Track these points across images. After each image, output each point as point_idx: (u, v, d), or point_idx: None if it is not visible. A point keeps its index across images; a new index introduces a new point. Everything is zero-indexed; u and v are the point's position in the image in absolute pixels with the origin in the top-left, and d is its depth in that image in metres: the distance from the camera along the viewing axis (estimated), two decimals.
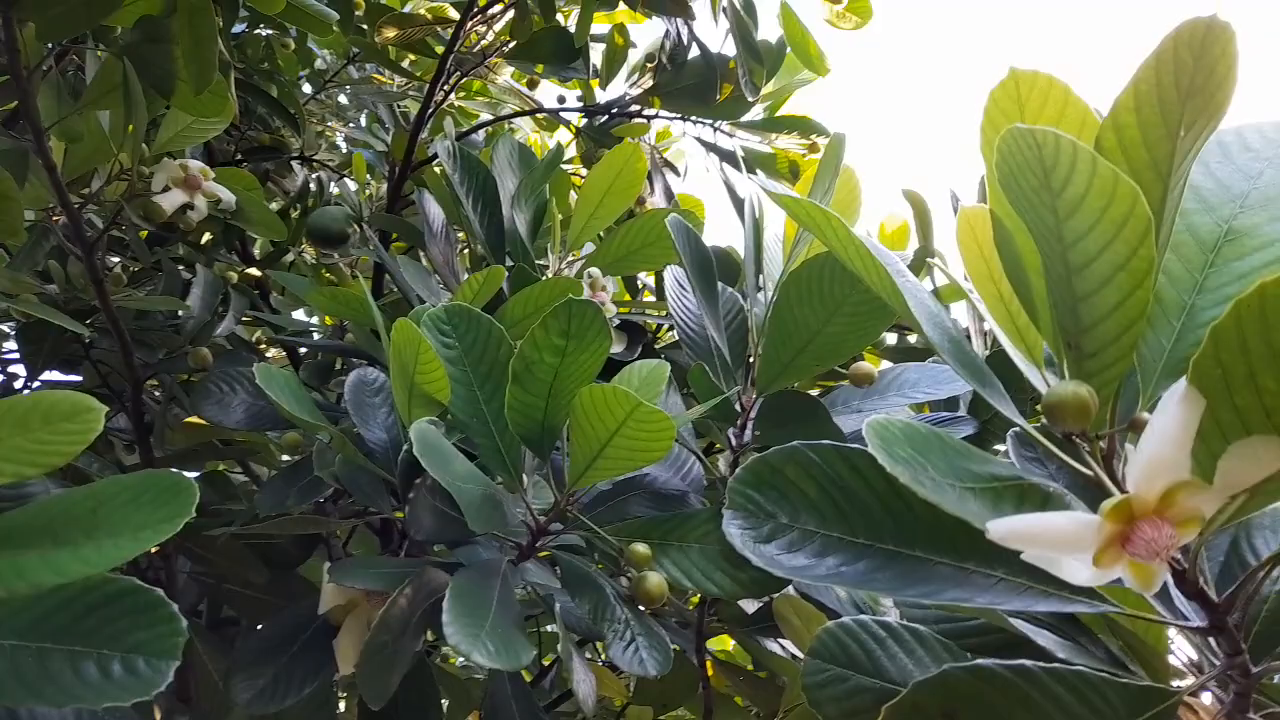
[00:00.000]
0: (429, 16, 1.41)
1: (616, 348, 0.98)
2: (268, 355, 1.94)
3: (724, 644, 1.52)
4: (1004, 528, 0.32)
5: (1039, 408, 0.35)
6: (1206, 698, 0.48)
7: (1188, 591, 0.42)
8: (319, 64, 2.15)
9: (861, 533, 0.45)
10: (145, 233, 1.48)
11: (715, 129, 1.54)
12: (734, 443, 0.93)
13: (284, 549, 1.18)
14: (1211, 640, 0.45)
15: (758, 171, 1.52)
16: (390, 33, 1.38)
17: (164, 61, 0.94)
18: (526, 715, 0.69)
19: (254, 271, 1.90)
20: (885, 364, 1.15)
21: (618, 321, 1.02)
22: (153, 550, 1.16)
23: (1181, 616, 0.46)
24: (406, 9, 1.68)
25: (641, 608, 0.67)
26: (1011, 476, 0.37)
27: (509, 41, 1.53)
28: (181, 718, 1.07)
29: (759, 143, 1.56)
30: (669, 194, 1.56)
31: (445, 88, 1.53)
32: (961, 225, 0.46)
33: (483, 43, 1.58)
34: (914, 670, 0.53)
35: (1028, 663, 0.37)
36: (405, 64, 1.77)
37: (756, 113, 1.61)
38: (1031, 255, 0.40)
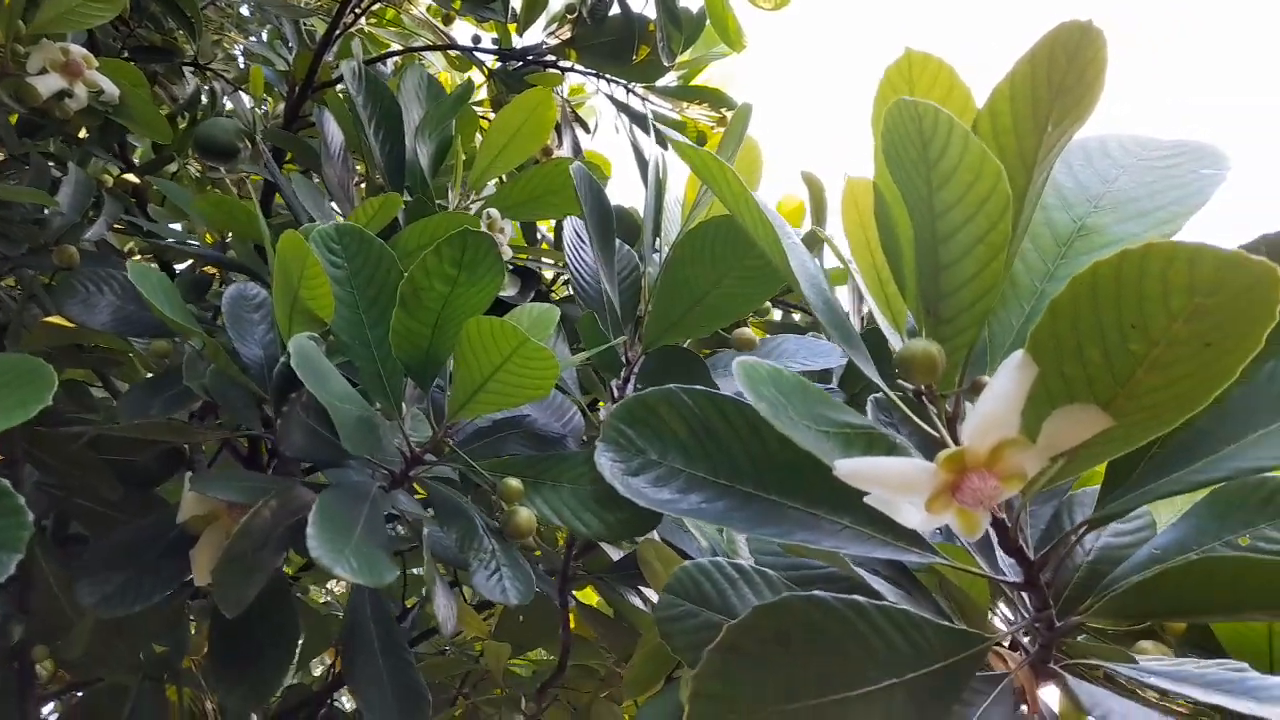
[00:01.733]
0: None
1: (510, 290, 0.99)
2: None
3: (589, 597, 1.55)
4: (850, 466, 0.35)
5: (895, 366, 0.38)
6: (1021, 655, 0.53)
7: (1008, 547, 0.46)
8: None
9: (724, 474, 0.47)
10: (15, 117, 1.38)
11: (629, 90, 1.54)
12: (616, 395, 0.95)
13: (143, 465, 1.13)
14: (1025, 596, 0.49)
15: (667, 133, 1.54)
16: None
17: None
18: (386, 639, 0.69)
19: (131, 178, 1.80)
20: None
21: (512, 266, 1.02)
22: None
23: (1000, 573, 0.51)
24: None
25: (509, 540, 0.69)
26: (863, 425, 0.40)
27: None
28: (18, 625, 1.02)
29: (669, 109, 1.57)
30: (577, 149, 1.55)
31: (356, 10, 1.48)
32: (846, 195, 0.49)
33: None
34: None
35: (860, 598, 0.40)
36: None
37: (670, 80, 1.63)
38: (905, 226, 0.42)
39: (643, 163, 1.60)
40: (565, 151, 1.54)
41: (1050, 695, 0.53)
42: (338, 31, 1.44)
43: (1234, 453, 0.41)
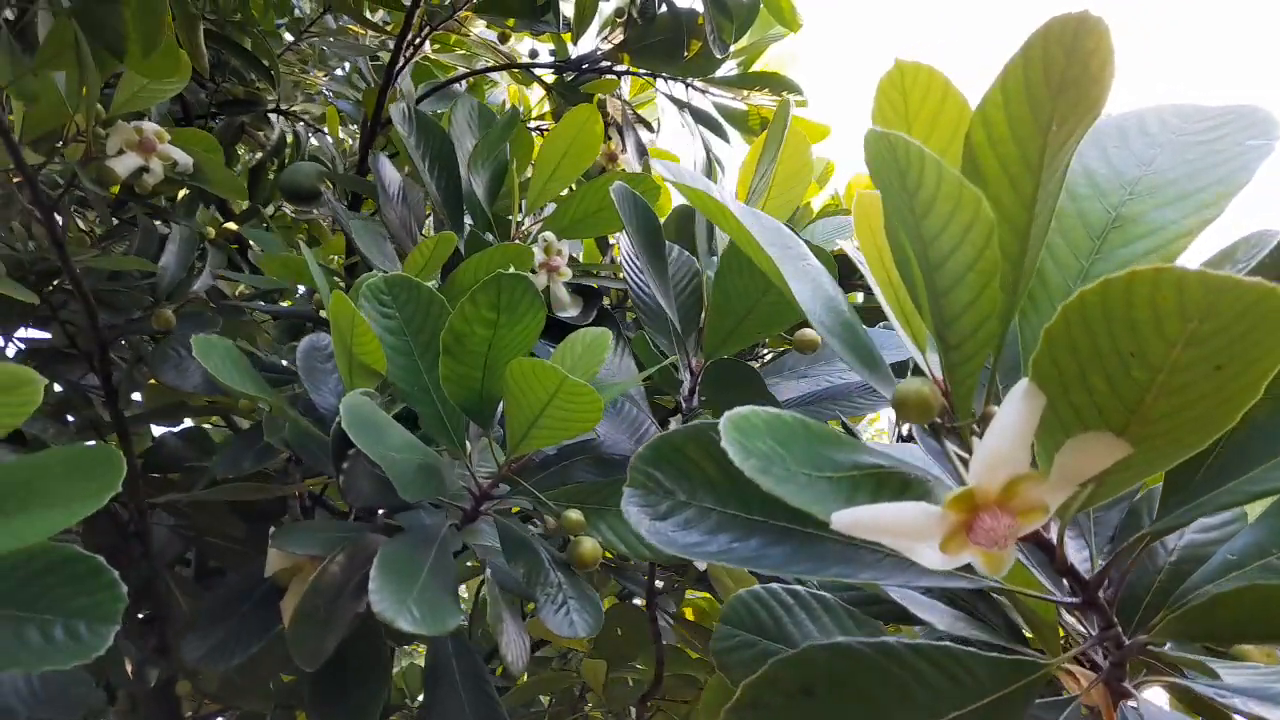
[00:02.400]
0: None
1: (572, 312, 1.00)
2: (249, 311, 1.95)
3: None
4: (847, 519, 0.34)
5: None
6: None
7: (1058, 569, 0.44)
8: (298, 11, 2.12)
9: (756, 509, 0.47)
10: (116, 189, 1.48)
11: (688, 86, 1.53)
12: (684, 406, 0.95)
13: (261, 504, 1.21)
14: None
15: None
16: None
17: (114, 22, 0.93)
18: (468, 672, 0.72)
19: (232, 226, 1.90)
20: None
21: (574, 285, 1.03)
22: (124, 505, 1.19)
23: (1067, 591, 0.48)
24: None
25: (576, 571, 0.70)
26: (871, 465, 0.38)
27: None
28: (153, 669, 1.11)
29: (731, 99, 1.55)
30: (641, 150, 1.55)
31: (414, 42, 1.51)
32: (857, 209, 0.47)
33: None
34: (818, 636, 0.55)
35: (890, 639, 0.38)
36: (380, 16, 1.75)
37: (731, 68, 1.60)
38: (908, 248, 0.41)
39: (709, 157, 1.59)
40: (629, 154, 1.54)
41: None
42: (399, 65, 1.47)
43: None
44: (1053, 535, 0.43)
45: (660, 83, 1.53)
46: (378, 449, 0.61)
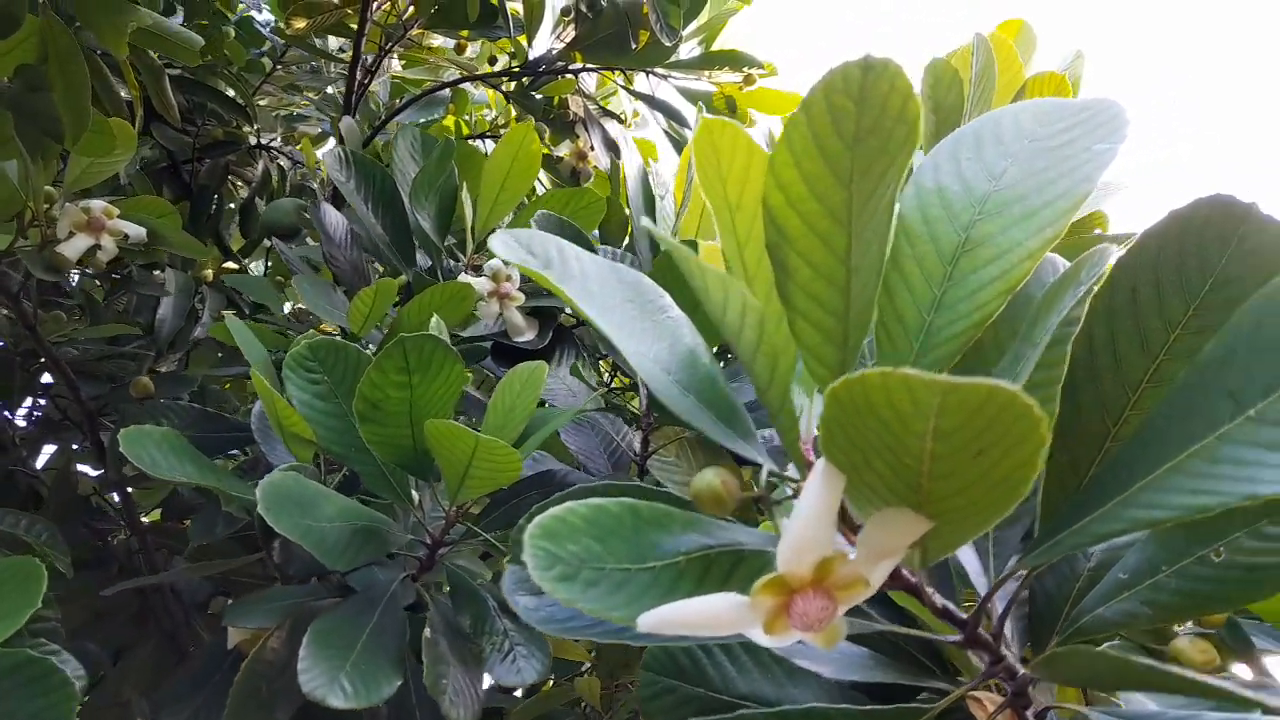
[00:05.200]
0: (336, 0, 1.39)
1: (528, 336, 0.99)
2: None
3: None
4: (653, 619, 0.33)
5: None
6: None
7: (934, 612, 0.43)
8: (271, 43, 2.13)
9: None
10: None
11: (649, 75, 1.50)
12: (644, 422, 0.94)
13: None
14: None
15: (688, 115, 1.49)
16: (300, 23, 1.37)
17: (46, 108, 0.95)
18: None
19: (231, 265, 1.93)
20: None
21: (530, 309, 1.02)
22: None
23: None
24: None
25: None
26: (700, 548, 0.37)
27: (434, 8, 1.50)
28: None
29: (695, 81, 1.52)
30: (610, 145, 1.53)
31: (372, 66, 1.51)
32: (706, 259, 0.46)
33: (408, 12, 1.55)
34: (737, 678, 0.55)
35: (746, 712, 0.38)
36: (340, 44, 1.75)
37: (693, 49, 1.57)
38: None
39: (678, 147, 1.56)
40: (598, 149, 1.52)
41: None
42: (357, 91, 1.48)
43: (1155, 485, 0.36)
44: (921, 581, 0.42)
45: (622, 76, 1.51)
46: (300, 525, 0.62)
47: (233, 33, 1.95)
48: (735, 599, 0.34)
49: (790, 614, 0.34)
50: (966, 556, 0.51)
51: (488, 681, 0.72)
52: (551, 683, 1.29)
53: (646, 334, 0.46)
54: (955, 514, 0.32)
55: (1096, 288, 0.41)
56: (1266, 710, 0.42)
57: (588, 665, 1.11)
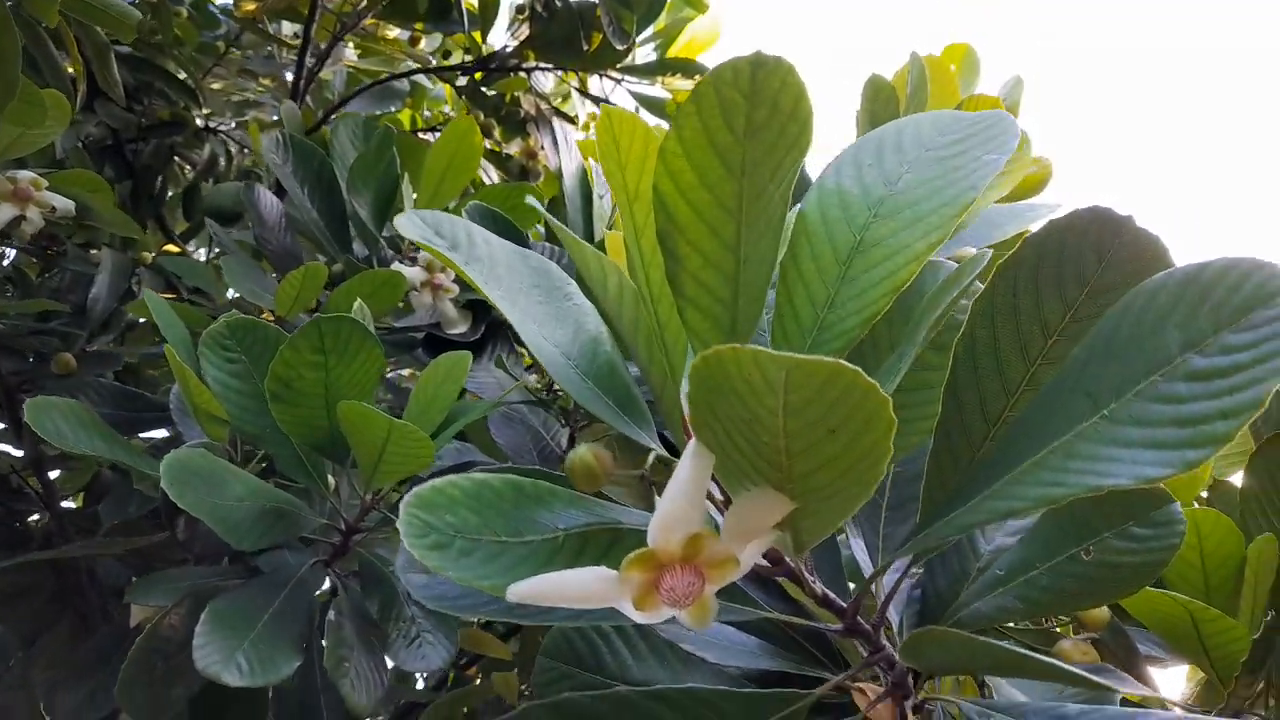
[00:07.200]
0: None
1: (461, 328, 0.99)
2: None
3: None
4: (524, 588, 0.34)
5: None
6: None
7: (817, 601, 0.44)
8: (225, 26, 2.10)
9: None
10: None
11: (602, 77, 1.51)
12: (574, 419, 0.95)
13: None
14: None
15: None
16: (250, 5, 1.35)
17: None
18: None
19: (173, 248, 1.90)
20: None
21: (464, 301, 1.02)
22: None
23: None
24: None
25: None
26: (578, 526, 0.38)
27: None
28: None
29: (648, 86, 1.53)
30: (559, 142, 1.54)
31: (323, 53, 1.50)
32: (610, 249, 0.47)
33: (362, 3, 1.54)
34: (633, 665, 0.56)
35: (623, 689, 0.39)
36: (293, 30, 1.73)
37: (649, 53, 1.59)
38: None
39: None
40: (548, 148, 1.53)
41: None
42: (305, 78, 1.47)
43: (1017, 478, 0.37)
44: (800, 567, 0.43)
45: (576, 79, 1.52)
46: (206, 502, 0.61)
47: (185, 13, 1.92)
48: (606, 573, 0.34)
49: (659, 589, 0.34)
50: (858, 550, 0.52)
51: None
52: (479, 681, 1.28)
53: (550, 319, 0.47)
54: (817, 494, 0.33)
55: (979, 290, 0.43)
56: (1125, 701, 0.44)
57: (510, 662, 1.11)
